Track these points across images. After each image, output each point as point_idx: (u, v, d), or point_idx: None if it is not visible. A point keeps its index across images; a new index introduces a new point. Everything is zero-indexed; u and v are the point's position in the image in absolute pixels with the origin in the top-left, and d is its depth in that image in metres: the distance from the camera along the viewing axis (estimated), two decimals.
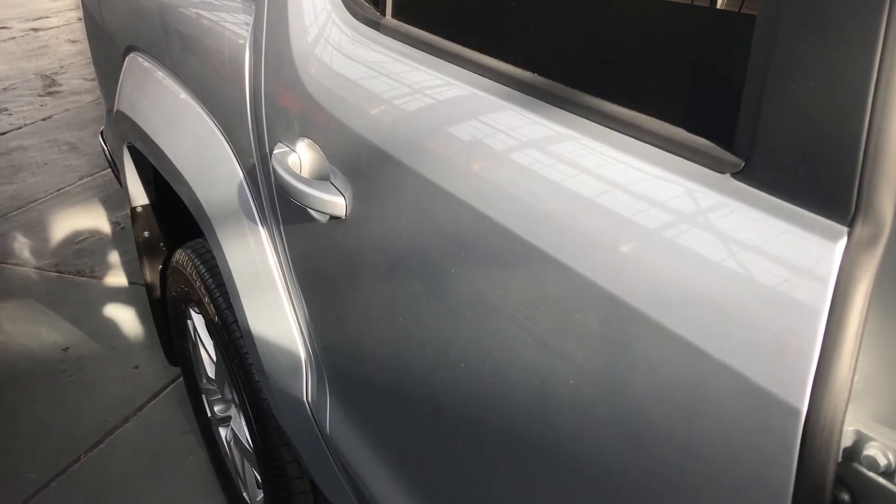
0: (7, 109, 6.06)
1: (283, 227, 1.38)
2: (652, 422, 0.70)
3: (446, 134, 0.94)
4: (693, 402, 0.66)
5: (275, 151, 1.25)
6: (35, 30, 8.66)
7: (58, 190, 4.56)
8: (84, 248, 3.93)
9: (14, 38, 8.35)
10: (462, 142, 0.92)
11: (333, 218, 1.17)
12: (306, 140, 1.22)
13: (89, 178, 4.70)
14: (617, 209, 0.73)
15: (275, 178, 1.22)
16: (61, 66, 7.08)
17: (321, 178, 1.20)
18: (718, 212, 0.66)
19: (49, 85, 6.59)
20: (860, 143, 0.56)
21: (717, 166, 0.67)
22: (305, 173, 1.24)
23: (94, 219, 4.23)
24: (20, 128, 5.65)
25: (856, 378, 0.64)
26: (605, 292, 0.72)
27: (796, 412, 0.58)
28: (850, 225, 0.58)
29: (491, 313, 0.89)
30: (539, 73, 0.87)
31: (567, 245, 0.77)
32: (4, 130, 5.61)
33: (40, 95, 6.33)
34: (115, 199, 4.37)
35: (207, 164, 1.60)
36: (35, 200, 4.47)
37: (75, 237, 4.04)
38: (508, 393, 0.88)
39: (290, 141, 1.26)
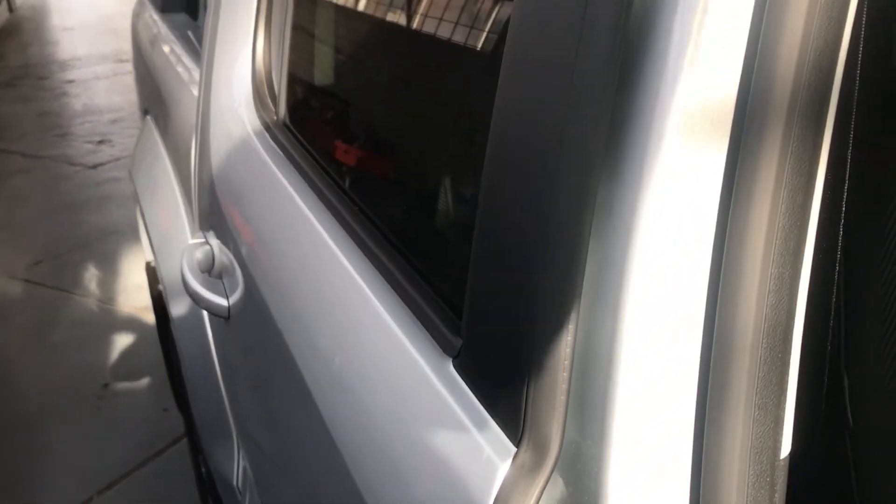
0: (111, 141, 6.39)
1: (209, 315, 1.38)
2: None
3: (283, 266, 0.92)
4: None
5: (190, 241, 1.25)
6: None
7: (137, 224, 4.75)
8: (146, 285, 4.06)
9: (132, 72, 8.83)
10: (293, 272, 0.89)
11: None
12: (214, 234, 1.22)
13: None
14: (361, 380, 0.68)
15: (180, 270, 1.22)
16: None
17: (221, 275, 1.20)
18: (431, 399, 0.60)
19: None
20: (526, 359, 0.51)
21: (444, 346, 0.62)
22: (217, 268, 1.23)
23: None
24: (118, 160, 5.94)
25: None
26: (344, 464, 0.68)
27: None
28: (518, 445, 0.52)
29: (308, 454, 0.85)
30: (359, 212, 0.83)
31: (331, 405, 0.73)
32: (103, 161, 5.91)
33: None
34: None
35: (170, 238, 1.62)
36: (115, 232, 4.66)
37: (140, 273, 4.18)
38: None
39: (206, 231, 1.26)
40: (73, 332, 3.61)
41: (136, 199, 1.98)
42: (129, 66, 9.59)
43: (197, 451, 2.36)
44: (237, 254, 1.08)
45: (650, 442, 0.49)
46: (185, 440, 2.92)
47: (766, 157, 0.45)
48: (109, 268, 4.22)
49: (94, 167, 5.77)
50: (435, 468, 0.57)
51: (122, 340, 3.55)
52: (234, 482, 1.50)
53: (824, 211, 0.48)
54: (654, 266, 0.47)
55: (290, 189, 0.95)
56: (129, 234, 4.59)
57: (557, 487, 0.51)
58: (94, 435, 2.95)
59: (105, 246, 4.48)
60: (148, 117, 2.10)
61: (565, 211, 0.48)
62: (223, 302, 1.11)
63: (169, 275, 1.59)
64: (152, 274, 2.34)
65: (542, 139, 0.50)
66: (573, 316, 0.49)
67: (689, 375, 0.49)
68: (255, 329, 1.01)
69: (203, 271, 1.19)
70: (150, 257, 2.31)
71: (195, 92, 1.63)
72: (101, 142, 6.33)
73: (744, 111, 0.45)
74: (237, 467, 1.50)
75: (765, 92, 0.44)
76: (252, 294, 1.00)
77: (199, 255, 1.22)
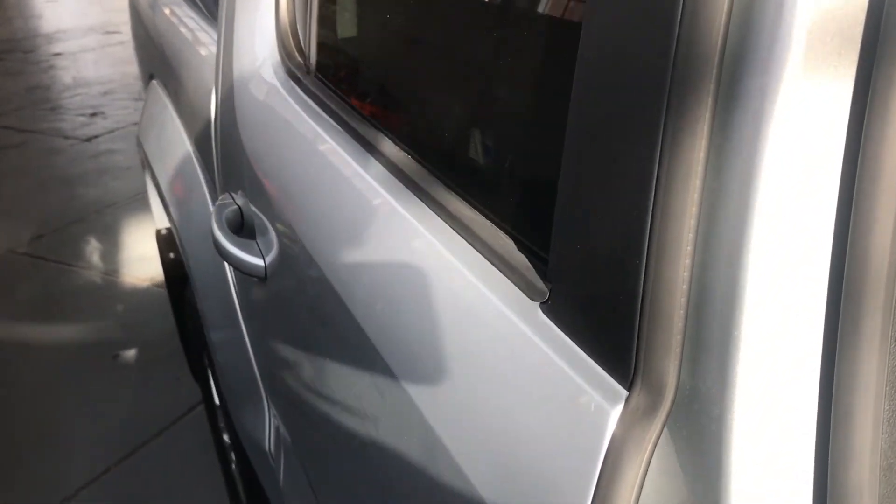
0: (103, 113, 6.31)
1: (237, 276, 1.34)
2: None
3: (329, 213, 0.88)
4: None
5: (217, 202, 1.22)
6: None
7: (135, 195, 4.70)
8: (149, 256, 4.02)
9: (122, 42, 8.70)
10: (341, 224, 0.85)
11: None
12: (242, 194, 1.18)
13: None
14: (438, 328, 0.65)
15: (211, 230, 1.18)
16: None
17: (253, 235, 1.16)
18: (520, 346, 0.57)
19: None
20: (637, 298, 0.47)
21: (530, 292, 0.59)
22: (247, 228, 1.20)
23: None
24: (112, 131, 5.87)
25: None
26: (421, 415, 0.65)
27: None
28: (630, 388, 0.49)
29: (358, 411, 0.82)
30: (415, 160, 0.80)
31: (400, 358, 0.70)
32: (98, 133, 5.84)
33: (136, 100, 6.56)
34: None
35: (188, 201, 1.59)
36: (112, 204, 4.62)
37: (143, 244, 4.15)
38: (374, 482, 0.82)
39: (234, 191, 1.22)
40: (79, 305, 3.58)
41: (146, 165, 1.93)
42: (117, 38, 9.46)
43: (216, 418, 2.34)
44: (272, 212, 1.05)
45: (776, 380, 0.46)
46: (200, 409, 2.91)
47: None
48: (110, 240, 4.18)
49: (89, 140, 5.69)
50: (536, 421, 0.54)
51: (129, 311, 3.53)
52: (266, 446, 1.48)
53: None
54: (778, 194, 0.44)
55: (332, 141, 0.91)
56: (128, 206, 4.54)
57: (674, 430, 0.49)
58: (108, 406, 2.93)
59: (104, 218, 4.44)
60: (154, 82, 2.05)
61: (678, 134, 0.45)
62: (259, 262, 1.08)
63: (190, 239, 1.56)
64: (164, 241, 2.30)
65: (645, 56, 0.47)
66: (689, 250, 0.46)
67: (817, 310, 0.46)
68: (297, 288, 0.98)
69: (233, 232, 1.16)
70: (161, 224, 2.27)
71: (204, 52, 1.58)
72: (93, 114, 6.25)
73: (876, 30, 0.42)
74: (268, 431, 1.48)
75: None
76: (293, 252, 0.96)
77: (227, 215, 1.19)
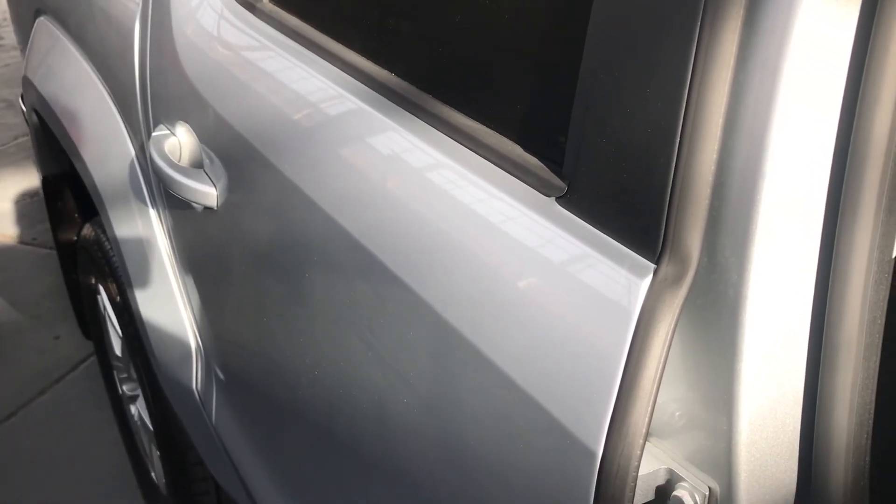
0: None
1: (169, 212, 1.33)
2: (468, 448, 0.67)
3: (305, 132, 0.90)
4: (503, 433, 0.63)
5: (154, 134, 1.20)
6: None
7: None
8: (13, 212, 3.82)
9: None
10: (319, 141, 0.88)
11: (207, 208, 1.12)
12: (184, 124, 1.17)
13: (25, 137, 4.55)
14: (446, 227, 0.70)
15: (150, 162, 1.17)
16: (4, 19, 6.85)
17: (197, 165, 1.16)
18: (539, 237, 0.63)
19: None
20: (668, 180, 0.54)
21: (544, 189, 0.64)
22: (185, 158, 1.19)
23: (26, 181, 4.11)
24: None
25: (677, 415, 0.62)
26: (433, 312, 0.69)
27: (592, 455, 0.56)
28: (657, 262, 0.55)
29: (338, 322, 0.85)
30: (396, 75, 0.83)
31: (401, 258, 0.74)
32: None
33: None
34: None
35: (102, 139, 1.54)
36: None
37: (5, 199, 3.93)
38: (353, 403, 0.86)
39: (171, 123, 1.21)
40: None
41: (41, 105, 1.85)
42: None
43: (111, 372, 2.28)
44: (232, 140, 1.05)
45: (788, 250, 0.54)
46: (82, 367, 2.81)
47: None
48: None
49: None
50: (565, 300, 0.60)
51: None
52: (194, 385, 1.48)
53: None
54: (795, 89, 0.51)
55: (305, 65, 0.93)
56: None
57: (691, 298, 0.55)
58: None
59: None
60: (42, 19, 1.95)
61: (716, 26, 0.51)
62: (211, 190, 1.08)
63: (105, 176, 1.52)
64: (55, 187, 2.21)
65: None
66: (718, 135, 0.52)
67: (823, 193, 0.53)
68: (257, 213, 1.00)
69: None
70: (52, 171, 2.17)
71: None
72: None
73: None
74: (196, 372, 1.47)
75: None
76: (257, 177, 0.98)
77: (167, 146, 1.18)
